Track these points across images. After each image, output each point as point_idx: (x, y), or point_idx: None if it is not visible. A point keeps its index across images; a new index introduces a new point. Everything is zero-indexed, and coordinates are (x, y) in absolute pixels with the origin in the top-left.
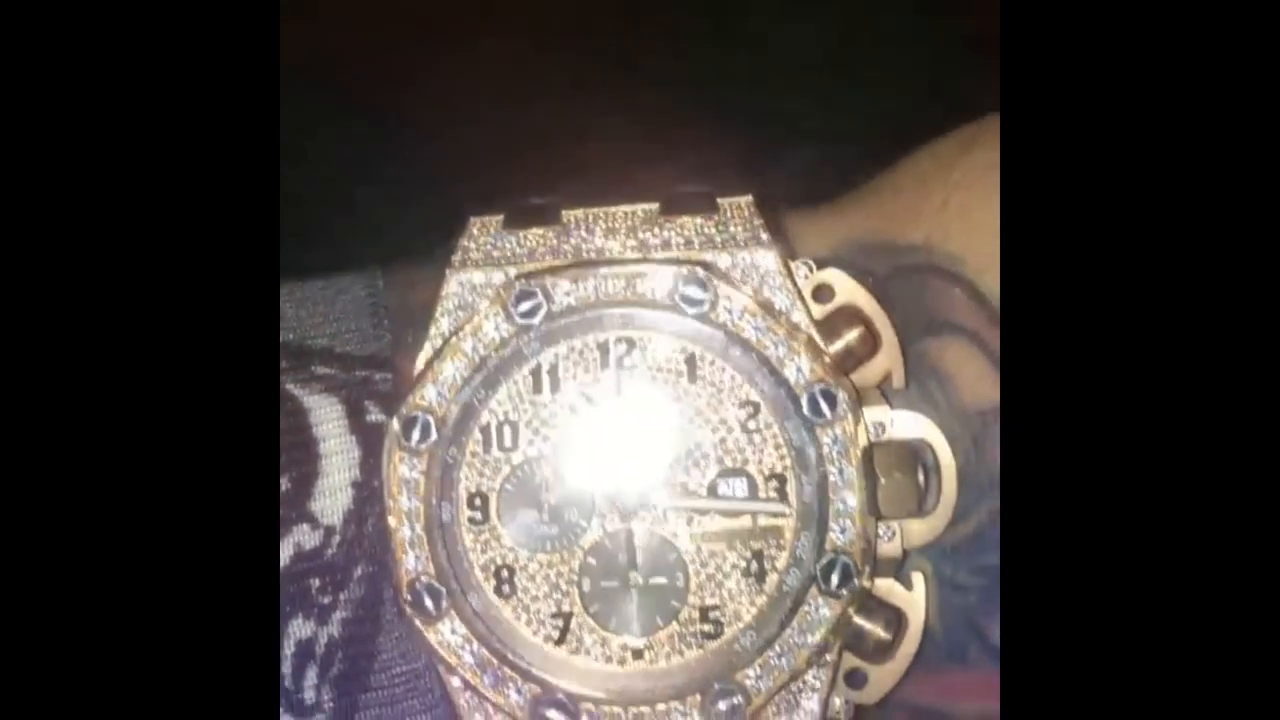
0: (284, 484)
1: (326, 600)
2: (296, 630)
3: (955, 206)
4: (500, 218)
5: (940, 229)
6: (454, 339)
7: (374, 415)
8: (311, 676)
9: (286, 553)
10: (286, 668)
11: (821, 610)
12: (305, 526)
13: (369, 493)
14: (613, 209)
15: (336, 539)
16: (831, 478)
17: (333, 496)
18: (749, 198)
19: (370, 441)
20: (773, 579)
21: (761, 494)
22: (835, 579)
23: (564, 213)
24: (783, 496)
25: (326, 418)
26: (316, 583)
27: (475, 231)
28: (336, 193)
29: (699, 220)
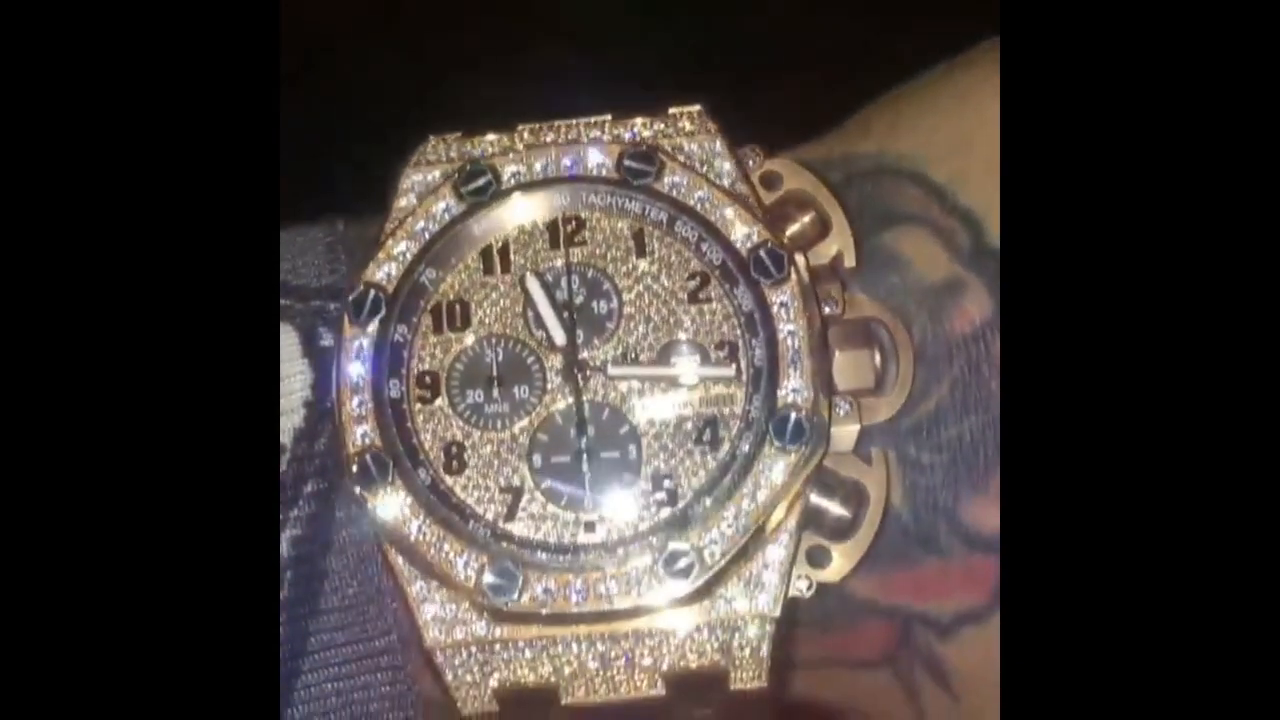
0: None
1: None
2: None
3: (907, 116)
4: (458, 133)
5: (891, 137)
6: (406, 220)
7: (327, 340)
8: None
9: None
10: None
11: (776, 469)
12: None
13: (321, 412)
14: (566, 121)
15: (287, 456)
16: (781, 336)
17: (285, 416)
18: (698, 107)
19: (323, 364)
20: (725, 445)
21: (712, 362)
22: (788, 434)
23: (519, 126)
24: (733, 362)
25: (281, 343)
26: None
27: (433, 144)
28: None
29: (649, 119)
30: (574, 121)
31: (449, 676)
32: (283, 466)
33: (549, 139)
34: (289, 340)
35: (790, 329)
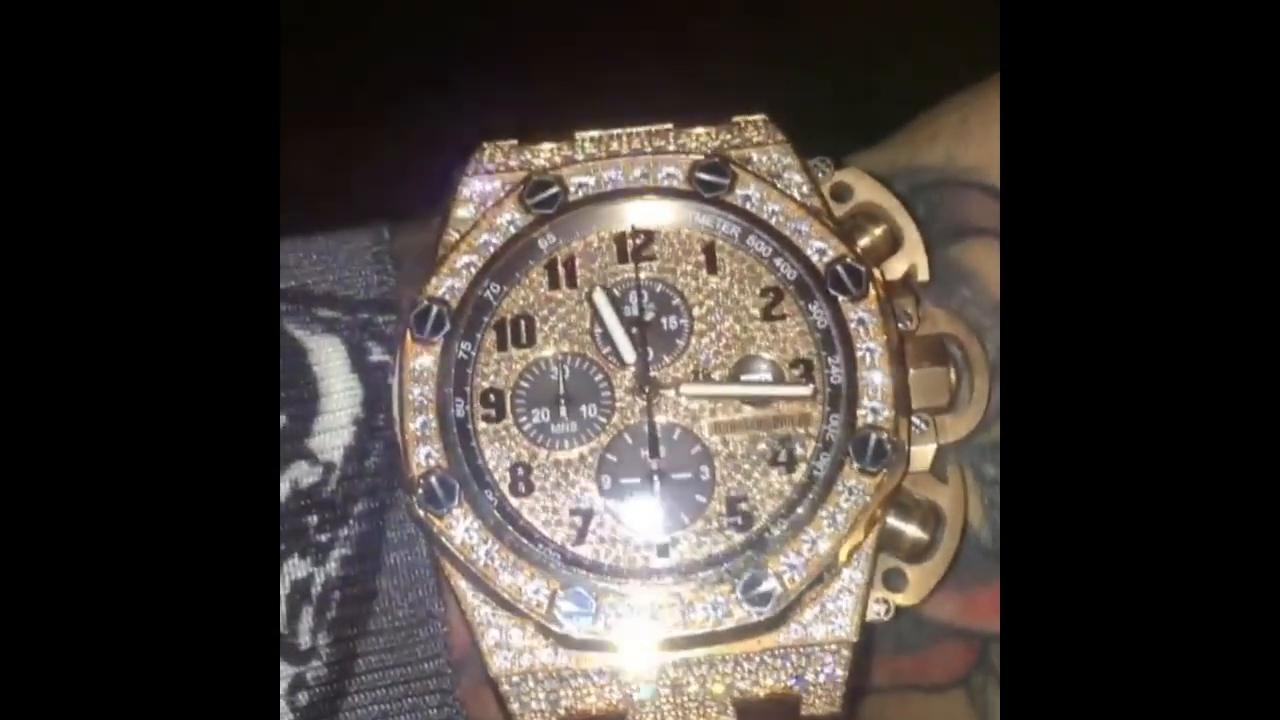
0: (282, 420)
1: (324, 538)
2: (292, 570)
3: (973, 124)
4: (513, 141)
5: (959, 146)
6: (469, 232)
7: (377, 355)
8: (308, 619)
9: (283, 491)
10: (281, 609)
11: (855, 490)
12: (303, 464)
13: (371, 429)
14: (626, 129)
15: (336, 475)
16: (860, 354)
17: (333, 434)
18: (763, 115)
19: (373, 380)
20: (802, 466)
21: (786, 379)
22: (869, 455)
23: (577, 133)
24: (809, 381)
25: (327, 357)
26: (314, 520)
27: (489, 150)
28: (347, 148)
29: (714, 129)
30: (636, 130)
31: (514, 705)
32: (331, 485)
33: (612, 148)
34: (336, 354)
35: (869, 346)
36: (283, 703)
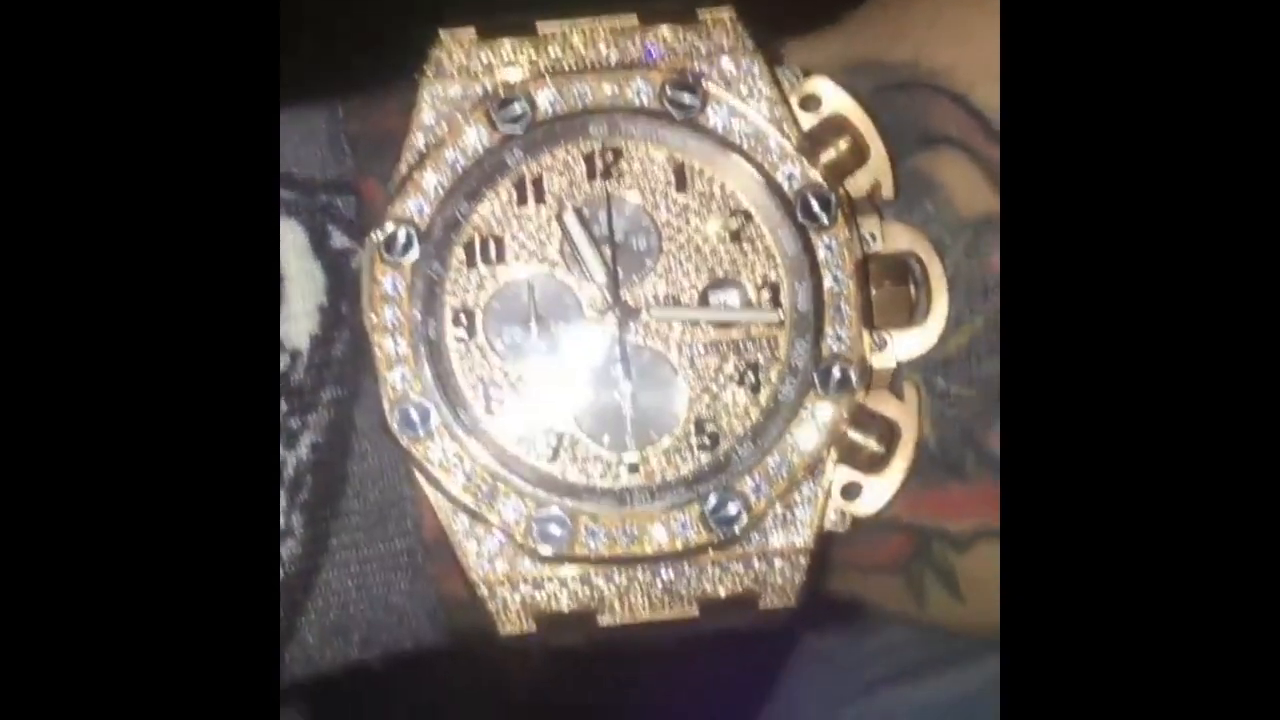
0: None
1: (295, 424)
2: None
3: (946, 21)
4: (472, 30)
5: (929, 44)
6: (434, 149)
7: (338, 240)
8: (281, 501)
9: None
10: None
11: (819, 416)
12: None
13: (336, 317)
14: (589, 20)
15: (303, 362)
16: (827, 284)
17: (297, 321)
18: (729, 10)
19: (335, 266)
20: (767, 389)
21: (754, 303)
22: (833, 384)
23: (539, 24)
24: (776, 305)
25: (288, 244)
26: (284, 406)
27: (447, 44)
28: (297, 17)
29: (679, 29)
30: (597, 22)
31: (491, 606)
32: (299, 374)
33: (574, 43)
34: (296, 238)
35: (836, 275)
36: None
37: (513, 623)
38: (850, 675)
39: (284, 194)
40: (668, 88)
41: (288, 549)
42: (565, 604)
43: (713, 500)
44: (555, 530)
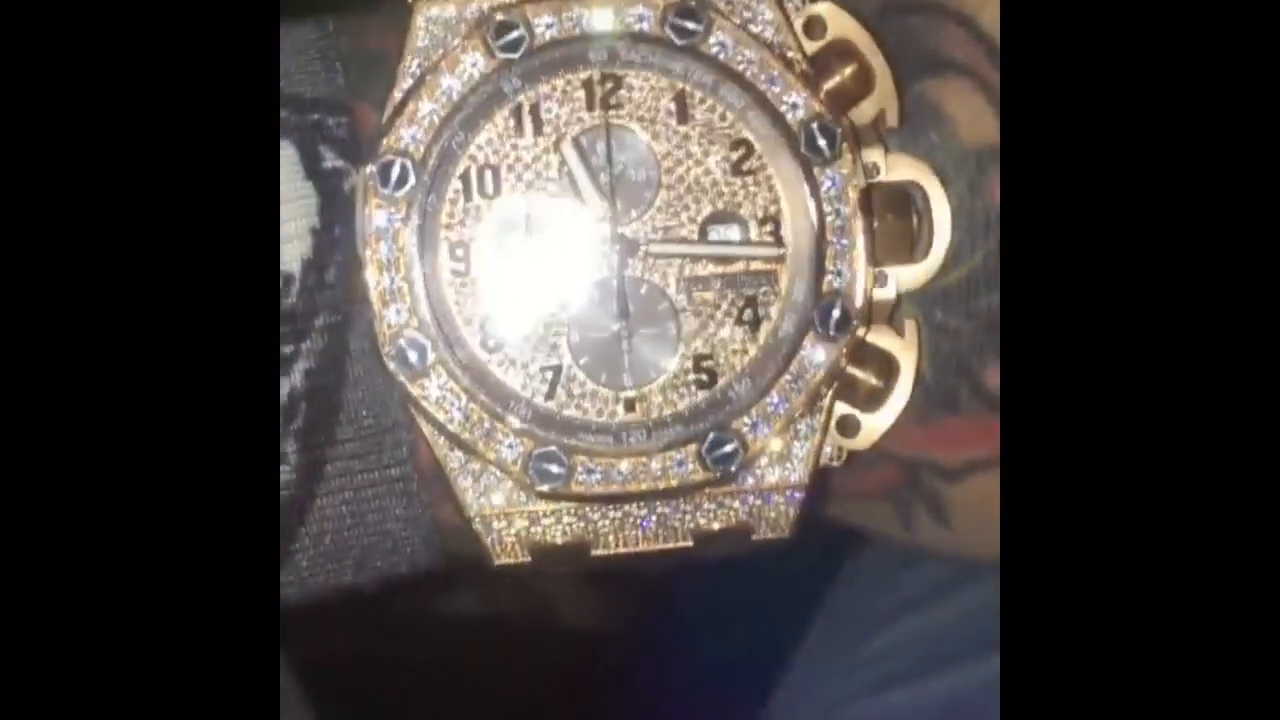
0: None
1: (288, 350)
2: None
3: None
4: None
5: None
6: (429, 76)
7: (330, 161)
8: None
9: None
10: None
11: (818, 355)
12: None
13: (329, 241)
14: None
15: (295, 287)
16: (829, 219)
17: (289, 244)
18: None
19: (328, 188)
20: (767, 325)
21: (754, 237)
22: (833, 323)
23: None
24: (777, 240)
25: (280, 161)
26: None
27: None
28: None
29: None
30: None
31: (488, 540)
32: (291, 297)
33: None
34: (288, 159)
35: (839, 209)
36: None
37: (508, 554)
38: (853, 676)
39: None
40: (669, 13)
41: (281, 476)
42: (560, 537)
43: (710, 439)
44: (552, 468)
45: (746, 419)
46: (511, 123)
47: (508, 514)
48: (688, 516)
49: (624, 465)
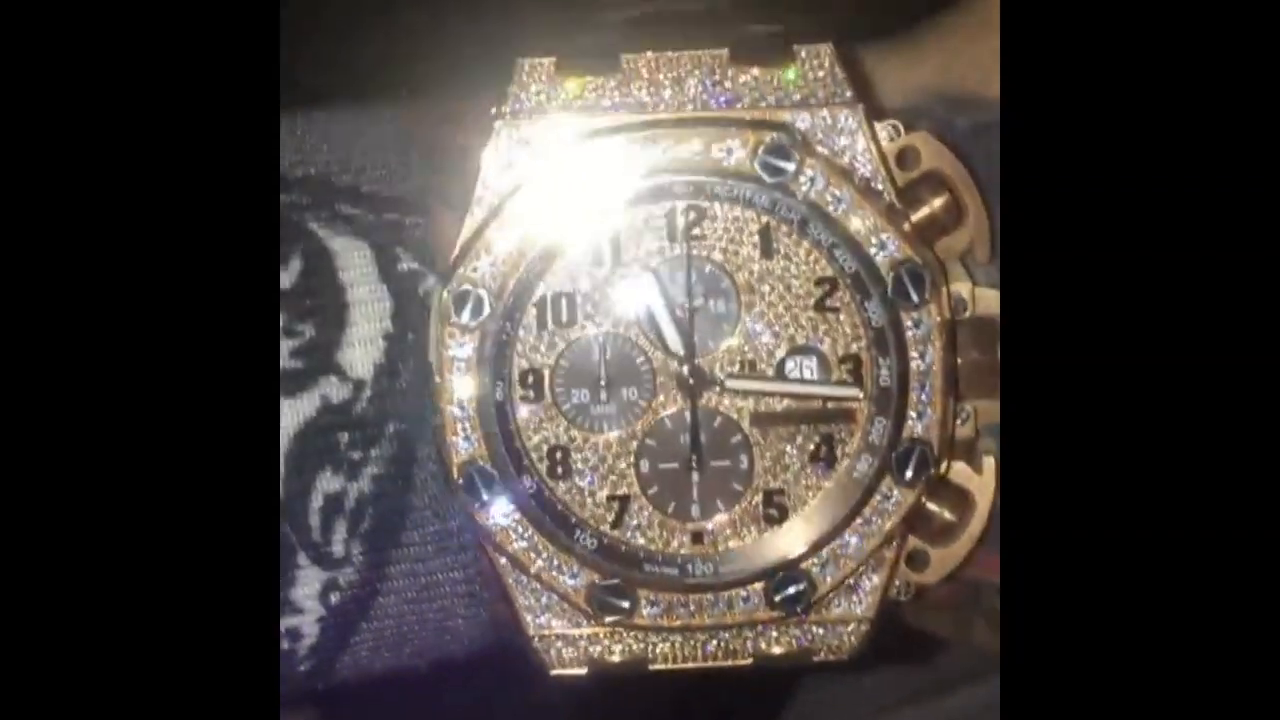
0: (309, 331)
1: (356, 456)
2: (325, 484)
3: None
4: (552, 60)
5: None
6: (504, 202)
7: (406, 264)
8: (341, 530)
9: (314, 405)
10: (315, 520)
11: (894, 499)
12: (333, 378)
13: (403, 347)
14: (676, 54)
15: (367, 393)
16: (914, 363)
17: (363, 348)
18: (829, 45)
19: (403, 291)
20: (842, 465)
21: (834, 376)
22: (911, 468)
23: (624, 57)
24: (857, 379)
25: (354, 263)
26: (345, 437)
27: (524, 76)
28: (363, 18)
29: (773, 71)
30: (687, 55)
31: (545, 657)
32: (362, 403)
33: (662, 79)
34: (362, 259)
35: (924, 353)
36: (316, 603)
37: (565, 665)
38: (861, 700)
39: (347, 209)
40: (760, 150)
41: (345, 576)
42: (618, 656)
43: (778, 578)
44: (617, 602)
45: (816, 559)
46: (590, 252)
47: (566, 636)
48: (749, 642)
49: (689, 600)
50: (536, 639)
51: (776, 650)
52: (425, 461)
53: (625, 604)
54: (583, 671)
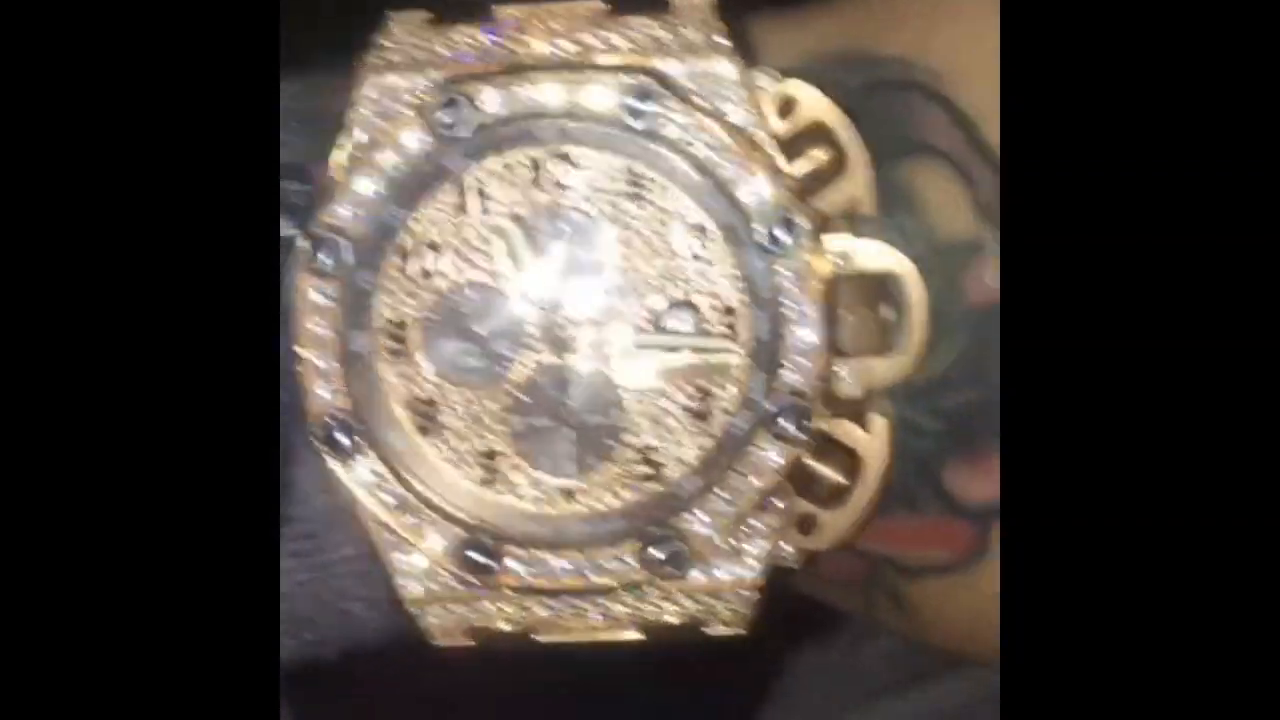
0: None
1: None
2: None
3: (943, 13)
4: (423, 14)
5: (922, 40)
6: (368, 151)
7: (286, 229)
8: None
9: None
10: None
11: (771, 454)
12: None
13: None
14: (552, 5)
15: None
16: (787, 313)
17: None
18: None
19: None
20: (719, 420)
21: (710, 328)
22: (787, 422)
23: (495, 9)
24: (733, 332)
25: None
26: None
27: (394, 29)
28: None
29: (649, 21)
30: (563, 6)
31: (423, 624)
32: None
33: (535, 31)
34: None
35: (799, 303)
36: None
37: (449, 637)
38: (849, 686)
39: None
40: (625, 95)
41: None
42: (500, 623)
43: (652, 536)
44: (483, 560)
45: (692, 516)
46: (456, 200)
47: (441, 599)
48: (635, 610)
49: (560, 558)
50: (411, 604)
51: (666, 619)
52: (301, 434)
53: (493, 563)
54: (469, 643)
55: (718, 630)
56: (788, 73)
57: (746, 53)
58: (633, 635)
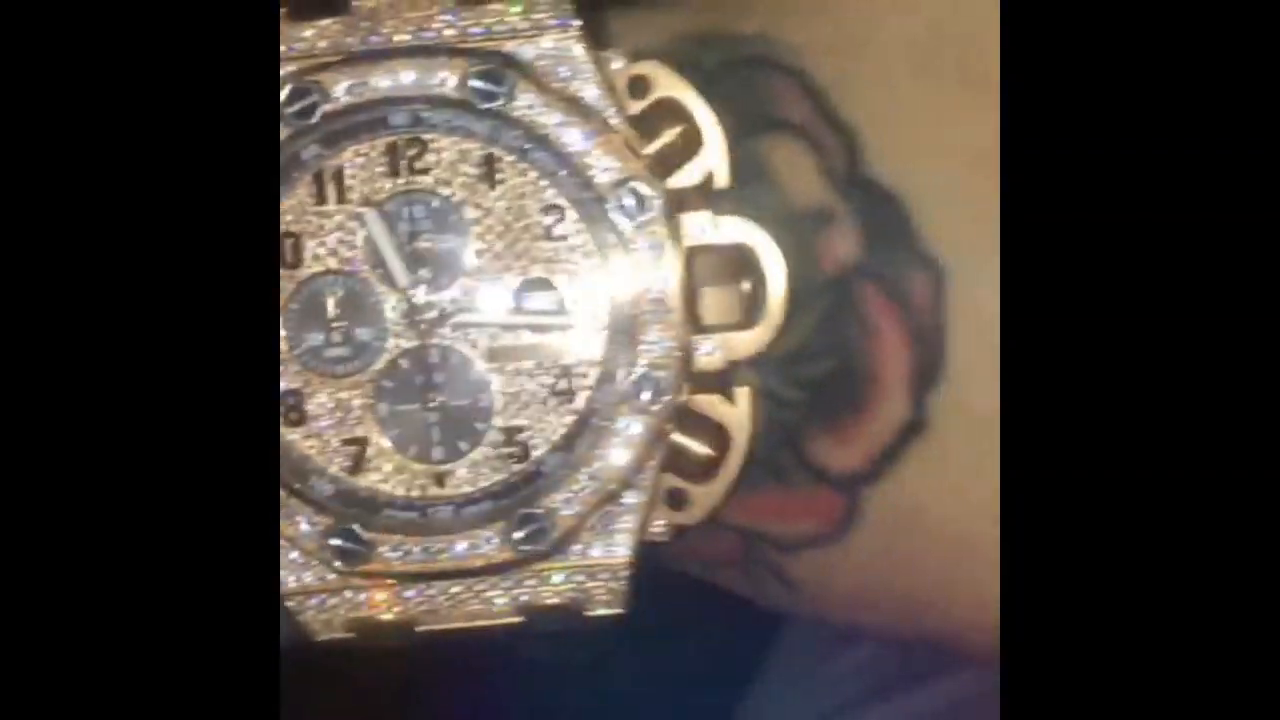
0: None
1: None
2: None
3: None
4: (284, 9)
5: (779, 17)
6: None
7: None
8: None
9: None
10: None
11: (633, 428)
12: None
13: None
14: None
15: None
16: (646, 288)
17: None
18: None
19: None
20: (581, 397)
21: (569, 306)
22: (647, 395)
23: (353, 3)
24: (591, 308)
25: None
26: None
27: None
28: None
29: (501, 6)
30: None
31: (301, 618)
32: None
33: (386, 21)
34: None
35: (655, 274)
36: None
37: (330, 629)
38: (818, 698)
39: None
40: (471, 77)
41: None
42: (378, 615)
43: (518, 516)
44: (351, 547)
45: (558, 495)
46: (313, 189)
47: (318, 590)
48: (509, 592)
49: (428, 543)
50: (288, 599)
51: (543, 602)
52: None
53: (358, 549)
54: (349, 635)
55: (596, 611)
56: (644, 54)
57: (601, 35)
58: (514, 620)
